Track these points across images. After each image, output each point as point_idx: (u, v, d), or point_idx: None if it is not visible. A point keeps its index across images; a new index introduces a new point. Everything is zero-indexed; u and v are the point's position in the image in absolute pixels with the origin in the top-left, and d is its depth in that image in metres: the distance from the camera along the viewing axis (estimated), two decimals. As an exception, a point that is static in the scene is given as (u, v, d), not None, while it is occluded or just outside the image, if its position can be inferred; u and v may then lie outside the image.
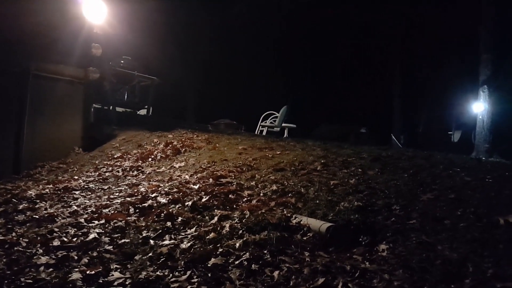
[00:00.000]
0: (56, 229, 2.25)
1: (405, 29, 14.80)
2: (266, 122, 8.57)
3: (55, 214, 2.56)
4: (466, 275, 1.48)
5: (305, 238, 1.89)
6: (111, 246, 1.97)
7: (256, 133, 8.22)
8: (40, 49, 5.02)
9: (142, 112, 8.74)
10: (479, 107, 8.81)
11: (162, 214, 2.31)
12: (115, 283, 1.58)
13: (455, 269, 1.53)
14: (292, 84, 16.47)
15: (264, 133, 8.27)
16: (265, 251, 1.76)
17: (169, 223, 2.19)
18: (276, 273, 1.58)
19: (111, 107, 7.50)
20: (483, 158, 5.82)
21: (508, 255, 1.59)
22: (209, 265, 1.68)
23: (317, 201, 2.34)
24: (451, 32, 13.14)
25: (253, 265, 1.66)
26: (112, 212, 2.50)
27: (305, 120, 12.58)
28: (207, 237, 1.96)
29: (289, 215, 2.12)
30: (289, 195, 2.50)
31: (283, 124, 8.33)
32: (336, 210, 2.18)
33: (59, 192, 3.23)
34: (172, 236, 2.05)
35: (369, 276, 1.53)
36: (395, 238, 1.84)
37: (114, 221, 2.29)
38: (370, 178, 2.77)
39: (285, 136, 8.01)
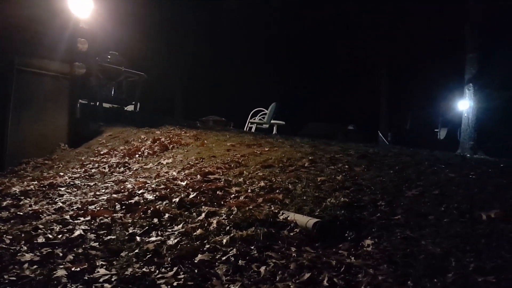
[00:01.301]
0: (41, 226, 2.21)
1: (391, 27, 14.97)
2: (255, 119, 8.59)
3: (40, 210, 2.52)
4: (448, 270, 1.51)
5: (292, 234, 1.90)
6: (97, 243, 1.95)
7: (245, 129, 8.22)
8: (25, 43, 4.91)
9: (130, 108, 8.63)
10: (464, 104, 8.98)
11: (149, 211, 2.29)
12: (101, 280, 1.56)
13: (438, 263, 1.57)
14: (281, 81, 16.49)
15: (253, 129, 8.28)
16: (252, 247, 1.77)
17: (156, 220, 2.18)
18: (262, 269, 1.59)
19: (97, 103, 7.39)
20: (468, 155, 5.94)
21: (489, 250, 1.63)
22: (196, 261, 1.68)
23: (304, 197, 2.36)
24: (437, 31, 13.35)
25: (240, 261, 1.66)
26: (98, 208, 2.47)
27: (294, 117, 12.63)
28: (194, 233, 1.95)
29: (276, 211, 2.13)
30: (277, 191, 2.51)
31: (272, 121, 8.35)
32: (323, 206, 2.20)
33: (44, 188, 3.18)
34: (159, 233, 2.04)
35: (354, 271, 1.55)
36: (380, 234, 1.87)
37: (100, 217, 2.27)
38: (357, 174, 2.80)
39: (274, 133, 8.04)
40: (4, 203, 2.77)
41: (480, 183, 2.54)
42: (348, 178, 2.71)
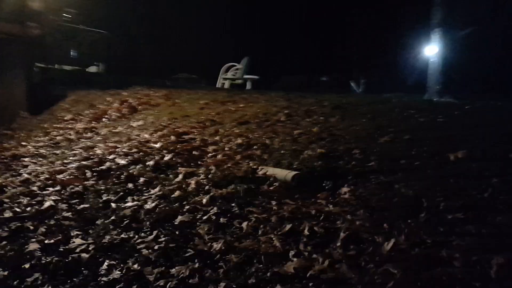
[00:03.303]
0: (6, 200, 2.11)
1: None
2: (227, 75, 8.36)
3: (4, 184, 2.40)
4: (421, 210, 1.58)
5: (272, 188, 1.91)
6: (70, 213, 1.88)
7: (218, 86, 8.02)
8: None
9: (92, 69, 8.13)
10: (431, 49, 9.10)
11: (122, 176, 2.23)
12: (77, 250, 1.52)
13: (411, 205, 1.63)
14: (252, 34, 15.91)
15: (226, 86, 8.09)
16: (233, 204, 1.77)
17: (130, 185, 2.13)
18: (244, 224, 1.60)
19: (56, 65, 6.89)
20: (435, 99, 6.12)
21: (458, 189, 1.71)
22: (176, 223, 1.66)
23: (282, 151, 2.37)
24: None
25: (221, 219, 1.66)
26: (68, 177, 2.37)
27: (268, 71, 12.39)
28: (172, 195, 1.93)
29: (255, 167, 2.13)
30: (255, 147, 2.50)
31: (246, 76, 8.17)
32: (301, 158, 2.21)
33: (6, 160, 3.03)
34: (135, 198, 1.99)
35: (333, 218, 1.59)
36: (356, 181, 1.91)
37: (71, 186, 2.18)
38: (332, 125, 2.83)
39: (248, 88, 7.90)
40: (-37, 179, 2.60)
41: (447, 126, 2.63)
42: (324, 129, 2.73)
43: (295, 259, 1.35)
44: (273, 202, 1.78)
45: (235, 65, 8.42)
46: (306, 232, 1.50)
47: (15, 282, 1.39)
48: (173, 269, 1.36)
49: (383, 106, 3.59)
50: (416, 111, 3.27)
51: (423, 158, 2.11)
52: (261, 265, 1.34)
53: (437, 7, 8.35)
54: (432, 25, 8.56)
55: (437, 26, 8.41)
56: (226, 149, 2.53)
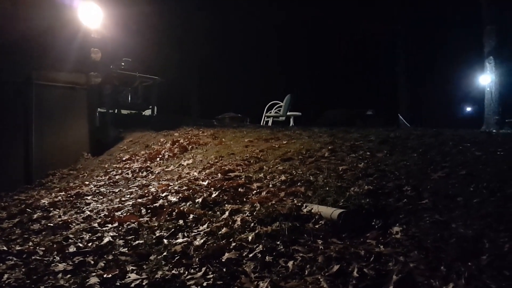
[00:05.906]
0: (71, 236, 2.28)
1: (405, 4, 14.51)
2: (271, 112, 8.56)
3: (69, 220, 2.60)
4: (482, 251, 1.46)
5: (317, 226, 1.88)
6: (126, 248, 1.98)
7: (261, 124, 8.21)
8: (40, 58, 5.04)
9: (147, 112, 8.76)
10: (486, 79, 8.67)
11: (174, 213, 2.32)
12: (132, 285, 1.59)
13: (471, 246, 1.52)
14: (294, 72, 16.32)
15: (269, 123, 8.27)
16: (278, 242, 1.76)
17: (181, 221, 2.20)
18: (290, 263, 1.58)
19: (116, 110, 7.54)
20: (494, 131, 5.73)
21: (525, 228, 1.57)
22: (223, 260, 1.68)
23: (327, 188, 2.33)
24: (453, 4, 12.84)
25: (267, 257, 1.66)
26: (125, 214, 2.52)
27: (310, 107, 12.48)
28: (220, 232, 1.96)
29: (299, 204, 2.11)
30: (298, 184, 2.49)
31: (288, 113, 8.31)
32: (347, 195, 2.16)
33: (71, 198, 3.27)
34: (185, 234, 2.05)
35: (384, 259, 1.52)
36: (408, 220, 1.82)
37: (127, 223, 2.31)
38: (379, 160, 2.75)
39: (291, 125, 7.99)
40: (35, 216, 2.87)
41: (508, 159, 2.44)
42: (371, 165, 2.66)
43: (344, 302, 1.30)
44: (319, 241, 1.74)
45: (278, 103, 8.63)
46: (355, 273, 1.44)
47: (76, 315, 1.47)
48: (221, 308, 1.37)
49: (434, 139, 3.43)
50: (472, 144, 3.09)
51: (483, 194, 1.97)
52: (308, 307, 1.31)
53: (489, 35, 8.06)
54: (485, 53, 8.22)
55: (491, 55, 8.06)
56: (270, 186, 2.56)
